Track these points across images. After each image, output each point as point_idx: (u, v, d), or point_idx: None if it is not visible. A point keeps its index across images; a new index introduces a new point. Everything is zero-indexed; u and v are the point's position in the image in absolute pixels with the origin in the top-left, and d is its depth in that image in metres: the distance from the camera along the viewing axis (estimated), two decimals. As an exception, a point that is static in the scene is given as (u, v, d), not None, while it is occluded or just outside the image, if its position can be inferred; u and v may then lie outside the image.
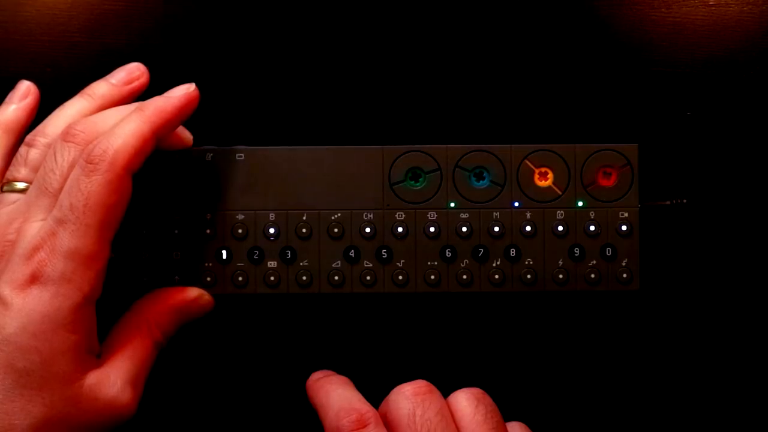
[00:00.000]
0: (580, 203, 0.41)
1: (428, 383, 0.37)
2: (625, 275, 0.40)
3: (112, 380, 0.37)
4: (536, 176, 0.41)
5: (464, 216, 0.41)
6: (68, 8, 0.44)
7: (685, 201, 0.43)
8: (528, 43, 0.44)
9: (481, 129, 0.44)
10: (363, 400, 0.37)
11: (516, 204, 0.41)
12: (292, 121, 0.44)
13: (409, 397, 0.36)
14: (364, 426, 0.36)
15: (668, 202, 0.43)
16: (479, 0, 0.44)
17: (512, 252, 0.40)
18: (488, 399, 0.37)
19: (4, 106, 0.41)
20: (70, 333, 0.35)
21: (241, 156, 0.40)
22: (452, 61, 0.44)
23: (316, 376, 0.40)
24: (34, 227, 0.36)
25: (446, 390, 0.39)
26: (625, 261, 0.40)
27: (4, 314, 0.34)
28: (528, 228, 0.40)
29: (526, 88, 0.44)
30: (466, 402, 0.37)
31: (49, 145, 0.38)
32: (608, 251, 0.40)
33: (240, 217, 0.40)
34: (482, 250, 0.40)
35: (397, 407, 0.36)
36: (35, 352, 0.34)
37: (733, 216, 0.43)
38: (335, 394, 0.38)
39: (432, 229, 0.40)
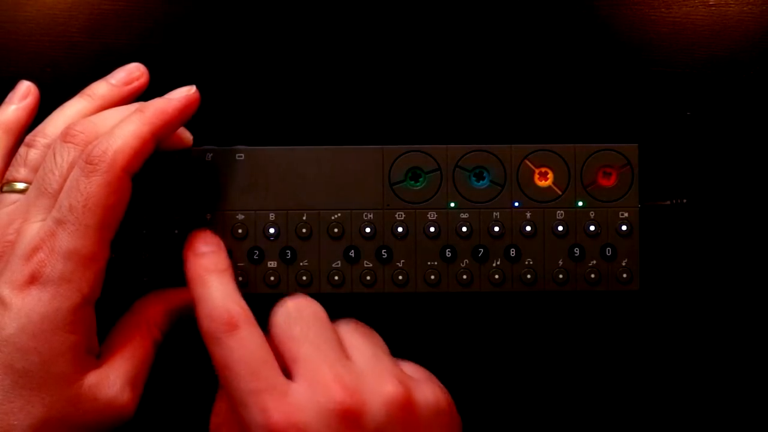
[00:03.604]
0: (580, 203, 0.41)
1: (307, 301, 0.37)
2: (625, 275, 0.40)
3: (112, 380, 0.37)
4: (536, 176, 0.41)
5: (464, 216, 0.41)
6: (68, 8, 0.44)
7: (685, 201, 0.43)
8: (528, 43, 0.44)
9: (481, 129, 0.44)
10: (236, 295, 0.37)
11: (516, 204, 0.41)
12: (292, 121, 0.44)
13: (284, 302, 0.37)
14: (234, 329, 0.36)
15: (668, 202, 0.43)
16: (479, 0, 0.44)
17: (512, 252, 0.40)
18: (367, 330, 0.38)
19: (4, 106, 0.41)
20: (69, 333, 0.35)
21: (241, 156, 0.40)
22: (452, 61, 0.44)
23: (200, 248, 0.39)
24: (34, 228, 0.36)
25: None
26: (625, 261, 0.40)
27: (4, 315, 0.34)
28: (528, 228, 0.40)
29: (526, 88, 0.44)
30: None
31: (48, 146, 0.38)
32: (608, 251, 0.40)
33: (240, 217, 0.40)
34: (482, 250, 0.40)
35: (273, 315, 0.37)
36: (35, 352, 0.34)
37: (733, 216, 0.43)
38: (212, 290, 0.37)
39: (432, 229, 0.40)
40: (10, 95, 0.42)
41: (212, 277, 0.37)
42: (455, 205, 0.41)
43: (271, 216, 0.40)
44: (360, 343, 0.37)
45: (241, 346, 0.36)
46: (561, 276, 0.40)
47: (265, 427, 0.34)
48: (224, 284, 0.37)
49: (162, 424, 0.43)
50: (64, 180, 0.36)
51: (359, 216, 0.40)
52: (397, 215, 0.41)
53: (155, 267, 0.40)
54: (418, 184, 0.41)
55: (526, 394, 0.44)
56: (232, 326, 0.36)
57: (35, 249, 0.35)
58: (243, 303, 0.37)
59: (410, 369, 0.38)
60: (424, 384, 0.37)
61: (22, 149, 0.39)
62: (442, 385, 0.38)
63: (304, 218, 0.40)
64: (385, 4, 0.44)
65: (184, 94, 0.38)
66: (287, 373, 0.36)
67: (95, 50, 0.44)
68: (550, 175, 0.41)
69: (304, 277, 0.40)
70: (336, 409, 0.34)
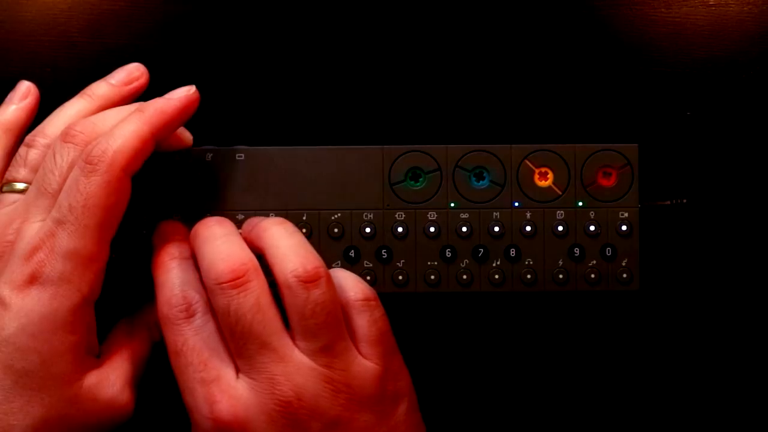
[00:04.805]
0: (580, 203, 0.41)
1: (244, 265, 0.36)
2: (625, 275, 0.40)
3: (112, 381, 0.37)
4: (536, 176, 0.41)
5: (464, 216, 0.41)
6: (68, 8, 0.44)
7: (685, 201, 0.43)
8: (528, 44, 0.44)
9: (481, 129, 0.44)
10: (195, 284, 0.37)
11: (516, 204, 0.41)
12: (292, 121, 0.44)
13: (225, 291, 0.35)
14: (191, 316, 0.36)
15: (668, 202, 0.43)
16: (479, 0, 0.44)
17: (512, 252, 0.40)
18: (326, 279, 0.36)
19: (4, 106, 0.41)
20: (69, 333, 0.35)
21: (241, 156, 0.40)
22: (452, 61, 0.44)
23: (166, 236, 0.39)
24: (33, 228, 0.36)
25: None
26: (625, 261, 0.40)
27: (4, 315, 0.34)
28: (528, 228, 0.40)
29: (526, 88, 0.44)
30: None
31: (48, 146, 0.38)
32: (608, 251, 0.40)
33: (240, 217, 0.40)
34: (482, 250, 0.40)
35: (213, 298, 0.36)
36: (34, 352, 0.34)
37: (733, 216, 0.43)
38: (172, 276, 0.37)
39: (432, 229, 0.40)
40: (10, 95, 0.41)
41: (174, 263, 0.38)
42: (455, 205, 0.41)
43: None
44: (308, 326, 0.36)
45: (195, 334, 0.36)
46: (561, 276, 0.40)
47: (210, 417, 0.35)
48: (185, 271, 0.38)
49: (162, 424, 0.43)
50: (64, 180, 0.36)
51: (359, 216, 0.40)
52: (397, 215, 0.41)
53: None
54: (418, 184, 0.41)
55: (527, 393, 0.44)
56: (189, 313, 0.36)
57: (35, 249, 0.35)
58: (202, 291, 0.37)
59: (349, 285, 0.38)
60: (362, 366, 0.36)
61: (21, 149, 0.39)
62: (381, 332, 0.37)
63: (304, 218, 0.40)
64: (385, 4, 0.44)
65: (183, 94, 0.38)
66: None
67: (95, 50, 0.44)
68: (550, 175, 0.41)
69: (304, 277, 0.40)
70: (280, 410, 0.35)
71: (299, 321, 0.36)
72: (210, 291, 0.36)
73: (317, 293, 0.36)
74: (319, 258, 0.37)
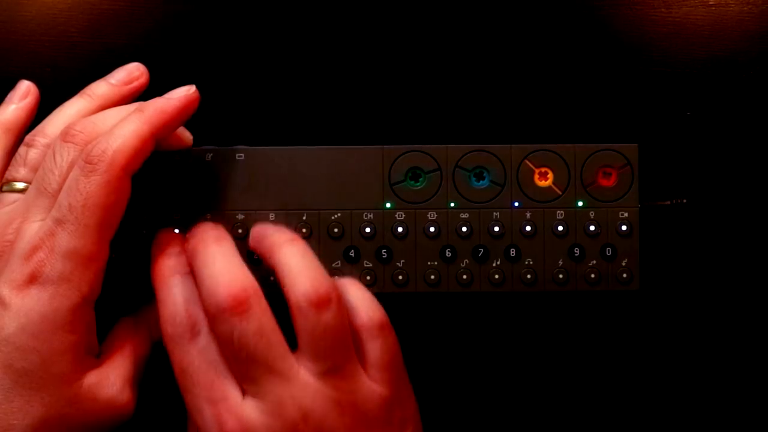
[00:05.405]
0: (580, 203, 0.41)
1: (245, 291, 0.35)
2: (625, 275, 0.40)
3: (112, 380, 0.37)
4: (536, 176, 0.41)
5: (464, 216, 0.41)
6: (68, 8, 0.44)
7: (685, 201, 0.43)
8: (528, 44, 0.44)
9: (481, 129, 0.44)
10: (198, 300, 0.36)
11: (516, 204, 0.41)
12: (292, 121, 0.44)
13: (228, 318, 0.35)
14: (196, 335, 0.36)
15: (668, 202, 0.43)
16: (479, 0, 0.44)
17: (512, 252, 0.40)
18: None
19: (3, 105, 0.41)
20: (68, 333, 0.35)
21: (241, 156, 0.40)
22: (452, 61, 0.44)
23: (165, 248, 0.39)
24: (33, 227, 0.36)
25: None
26: (625, 261, 0.40)
27: (3, 314, 0.34)
28: (528, 228, 0.40)
29: (526, 88, 0.44)
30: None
31: (48, 145, 0.38)
32: (608, 251, 0.40)
33: (240, 217, 0.40)
34: (482, 250, 0.40)
35: (214, 324, 0.35)
36: (34, 352, 0.34)
37: (733, 216, 0.43)
38: (175, 292, 0.37)
39: (432, 229, 0.40)
40: (10, 95, 0.42)
41: (176, 279, 0.37)
42: (455, 205, 0.41)
43: (271, 216, 0.40)
44: (317, 348, 0.36)
45: (200, 353, 0.36)
46: (561, 276, 0.40)
47: None
48: (187, 288, 0.37)
49: (162, 424, 0.43)
50: (64, 180, 0.36)
51: (359, 216, 0.40)
52: (397, 215, 0.41)
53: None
54: (418, 184, 0.41)
55: (527, 394, 0.44)
56: (194, 333, 0.36)
57: (35, 249, 0.35)
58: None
59: (359, 304, 0.37)
60: (367, 385, 0.36)
61: (21, 149, 0.39)
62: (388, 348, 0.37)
63: (304, 218, 0.40)
64: (385, 4, 0.44)
65: (183, 93, 0.38)
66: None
67: (95, 50, 0.44)
68: (550, 175, 0.41)
69: (304, 277, 0.40)
70: (287, 431, 0.35)
71: (308, 343, 0.35)
72: (211, 317, 0.35)
73: (328, 316, 0.35)
74: (331, 280, 0.36)
